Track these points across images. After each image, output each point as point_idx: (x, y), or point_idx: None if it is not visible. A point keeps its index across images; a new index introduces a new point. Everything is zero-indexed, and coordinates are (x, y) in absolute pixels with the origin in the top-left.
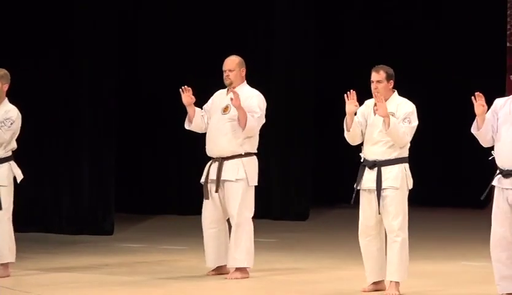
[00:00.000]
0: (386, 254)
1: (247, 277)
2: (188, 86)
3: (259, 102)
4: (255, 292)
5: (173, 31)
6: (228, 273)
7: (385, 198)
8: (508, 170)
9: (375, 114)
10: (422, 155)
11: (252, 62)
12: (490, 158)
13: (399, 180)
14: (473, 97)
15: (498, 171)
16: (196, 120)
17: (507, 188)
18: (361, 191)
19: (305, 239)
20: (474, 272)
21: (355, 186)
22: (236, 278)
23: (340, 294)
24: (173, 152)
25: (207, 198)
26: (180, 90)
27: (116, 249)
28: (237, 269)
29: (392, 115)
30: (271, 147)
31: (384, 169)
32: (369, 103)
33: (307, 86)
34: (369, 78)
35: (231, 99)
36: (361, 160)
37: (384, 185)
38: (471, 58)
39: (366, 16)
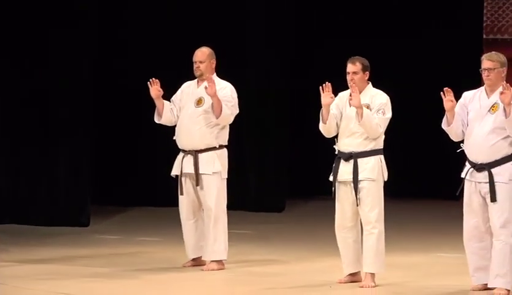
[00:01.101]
0: (362, 246)
1: (223, 269)
2: (157, 79)
3: (232, 92)
4: (232, 283)
5: (148, 20)
6: (203, 265)
7: (362, 190)
8: (480, 164)
9: (350, 105)
10: (396, 146)
11: (228, 53)
12: (458, 151)
13: (375, 172)
14: (441, 93)
15: (469, 165)
16: (166, 114)
17: (479, 182)
18: (337, 183)
19: (281, 231)
20: (449, 264)
21: (331, 179)
22: (213, 270)
23: (316, 285)
24: (148, 143)
25: (182, 194)
26: (148, 82)
27: (93, 240)
28: (214, 261)
29: (367, 107)
30: (247, 139)
31: (361, 161)
32: (343, 95)
33: (283, 77)
34: (345, 69)
35: (206, 88)
36: (336, 153)
37: (360, 177)
38: (448, 50)
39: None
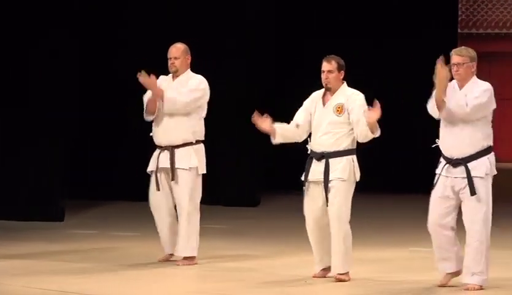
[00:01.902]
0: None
1: (196, 263)
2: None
3: (200, 83)
4: (206, 278)
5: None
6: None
7: (331, 189)
8: (457, 159)
9: (324, 104)
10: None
11: (205, 48)
12: (433, 145)
13: (347, 172)
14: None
15: (444, 161)
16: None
17: (456, 177)
18: (308, 182)
19: (255, 226)
20: (422, 258)
21: (302, 178)
22: (189, 265)
23: (291, 280)
24: (123, 138)
25: (159, 190)
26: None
27: (68, 235)
28: (186, 257)
29: (341, 106)
30: (223, 133)
31: (332, 161)
32: (316, 95)
33: (259, 72)
34: (320, 68)
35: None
36: (308, 152)
37: (331, 177)
38: (423, 43)
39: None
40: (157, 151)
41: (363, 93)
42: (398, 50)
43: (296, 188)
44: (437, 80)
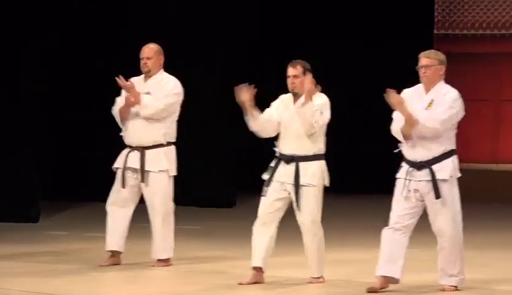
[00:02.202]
0: (306, 252)
1: (171, 265)
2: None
3: (174, 86)
4: (181, 280)
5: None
6: (120, 263)
7: (303, 196)
8: (421, 162)
9: (300, 104)
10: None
11: (174, 49)
12: (396, 151)
13: (316, 177)
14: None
15: (407, 165)
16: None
17: (420, 181)
18: (272, 182)
19: (229, 227)
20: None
21: (265, 177)
22: (164, 266)
23: (266, 281)
24: (97, 138)
25: (124, 187)
26: (118, 80)
27: (42, 236)
28: (160, 259)
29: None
30: (196, 134)
31: (302, 165)
32: (284, 98)
33: (229, 72)
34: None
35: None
36: (277, 155)
37: (301, 182)
38: (399, 44)
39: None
40: (127, 149)
41: (333, 94)
42: (374, 50)
43: None
44: (397, 108)
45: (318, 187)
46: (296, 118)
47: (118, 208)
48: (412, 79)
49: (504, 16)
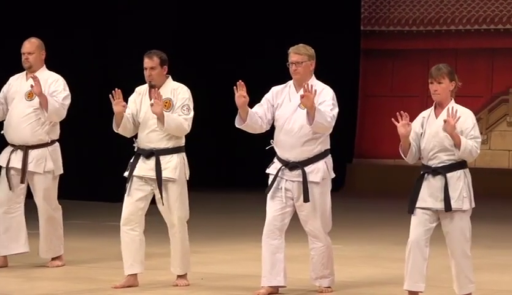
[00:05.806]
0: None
1: (64, 264)
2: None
3: (64, 85)
4: (73, 279)
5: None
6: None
7: (167, 192)
8: (293, 162)
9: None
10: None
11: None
12: (267, 148)
13: (177, 171)
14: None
15: (280, 163)
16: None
17: (292, 180)
18: (133, 177)
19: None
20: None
21: (126, 174)
22: (57, 266)
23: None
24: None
25: (11, 189)
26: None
27: None
28: (54, 258)
29: (168, 102)
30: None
31: (163, 159)
32: (141, 90)
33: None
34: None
35: (32, 86)
36: (136, 149)
37: (163, 175)
38: (326, 40)
39: None
40: (10, 148)
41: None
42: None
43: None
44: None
45: (180, 180)
46: (151, 112)
47: (6, 208)
48: (338, 75)
49: (430, 13)
